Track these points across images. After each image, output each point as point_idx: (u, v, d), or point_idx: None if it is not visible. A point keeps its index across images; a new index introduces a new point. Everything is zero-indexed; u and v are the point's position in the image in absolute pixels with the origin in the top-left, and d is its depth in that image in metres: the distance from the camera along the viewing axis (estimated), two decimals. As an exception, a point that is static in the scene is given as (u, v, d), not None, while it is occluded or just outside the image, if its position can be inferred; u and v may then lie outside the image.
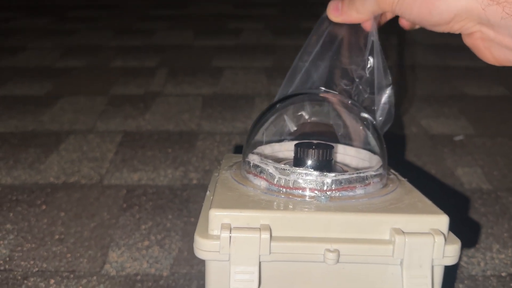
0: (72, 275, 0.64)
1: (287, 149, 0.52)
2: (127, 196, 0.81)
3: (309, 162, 0.43)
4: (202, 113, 1.10)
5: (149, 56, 1.46)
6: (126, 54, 1.48)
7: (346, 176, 0.40)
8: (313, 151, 0.43)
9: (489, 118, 1.06)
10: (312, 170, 0.40)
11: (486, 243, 0.71)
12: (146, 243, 0.71)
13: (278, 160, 0.49)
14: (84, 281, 0.64)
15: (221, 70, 1.34)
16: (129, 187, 0.83)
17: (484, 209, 0.78)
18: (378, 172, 0.42)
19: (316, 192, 0.40)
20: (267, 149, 0.50)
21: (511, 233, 0.72)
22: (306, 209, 0.37)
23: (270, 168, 0.41)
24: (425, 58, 1.39)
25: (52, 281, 0.63)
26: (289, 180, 0.40)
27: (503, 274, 0.65)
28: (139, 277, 0.65)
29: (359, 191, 0.41)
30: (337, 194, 0.40)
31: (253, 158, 0.43)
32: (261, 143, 0.50)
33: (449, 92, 1.18)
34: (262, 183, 0.41)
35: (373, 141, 0.48)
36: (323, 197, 0.39)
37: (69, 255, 0.68)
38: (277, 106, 0.50)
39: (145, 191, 0.82)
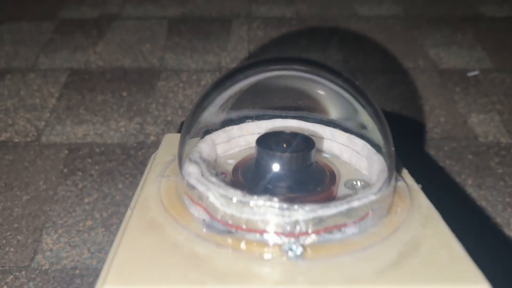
0: (-8, 274, 0.52)
1: (252, 132, 0.36)
2: (69, 158, 0.66)
3: (274, 177, 0.28)
4: (167, 42, 0.91)
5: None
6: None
7: (331, 210, 0.25)
8: (281, 157, 0.28)
9: (510, 46, 0.88)
10: (276, 200, 0.25)
11: (503, 217, 0.58)
12: (89, 223, 0.58)
13: (238, 155, 0.34)
14: (10, 277, 0.52)
15: (193, -15, 1.12)
16: (72, 145, 0.68)
17: (502, 170, 0.64)
18: (381, 194, 0.27)
19: (283, 237, 0.25)
20: (220, 137, 0.35)
21: (534, 204, 0.60)
22: (257, 284, 0.23)
23: (211, 194, 0.26)
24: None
25: (-34, 282, 0.51)
26: (239, 218, 0.25)
27: (524, 261, 0.53)
28: (77, 272, 0.53)
29: (351, 229, 0.26)
30: (316, 240, 0.25)
31: (190, 171, 0.28)
32: (210, 129, 0.34)
33: (463, 13, 0.98)
34: (202, 215, 0.27)
35: (372, 126, 0.32)
36: (292, 250, 0.24)
37: (-9, 244, 0.55)
38: (234, 75, 0.33)
39: (91, 151, 0.67)
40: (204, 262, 0.24)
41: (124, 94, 0.78)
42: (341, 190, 0.31)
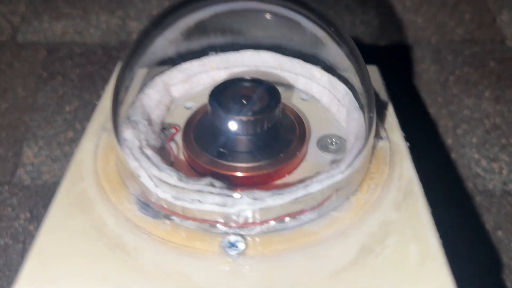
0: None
1: (217, 67, 0.30)
2: (48, 59, 0.61)
3: (230, 141, 0.23)
4: None
5: None
6: None
7: (283, 198, 0.21)
8: (236, 120, 0.23)
9: None
10: (218, 185, 0.21)
11: (517, 135, 0.53)
12: (70, 134, 0.55)
13: (200, 96, 0.29)
14: (-7, 192, 0.51)
15: None
16: (50, 45, 0.63)
17: (525, 81, 0.57)
18: (350, 171, 0.22)
19: (224, 228, 0.21)
20: (175, 77, 0.29)
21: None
22: None
23: (143, 172, 0.22)
24: None
25: None
26: (174, 204, 0.21)
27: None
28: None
29: (308, 216, 0.22)
30: (265, 230, 0.21)
31: (125, 136, 0.23)
32: (161, 67, 0.29)
33: None
34: (137, 192, 0.23)
35: (353, 73, 0.26)
36: (233, 245, 0.21)
37: (-30, 158, 0.54)
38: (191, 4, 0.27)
39: (71, 52, 0.62)
40: (131, 257, 0.21)
41: (106, -20, 0.69)
42: (312, 149, 0.26)
